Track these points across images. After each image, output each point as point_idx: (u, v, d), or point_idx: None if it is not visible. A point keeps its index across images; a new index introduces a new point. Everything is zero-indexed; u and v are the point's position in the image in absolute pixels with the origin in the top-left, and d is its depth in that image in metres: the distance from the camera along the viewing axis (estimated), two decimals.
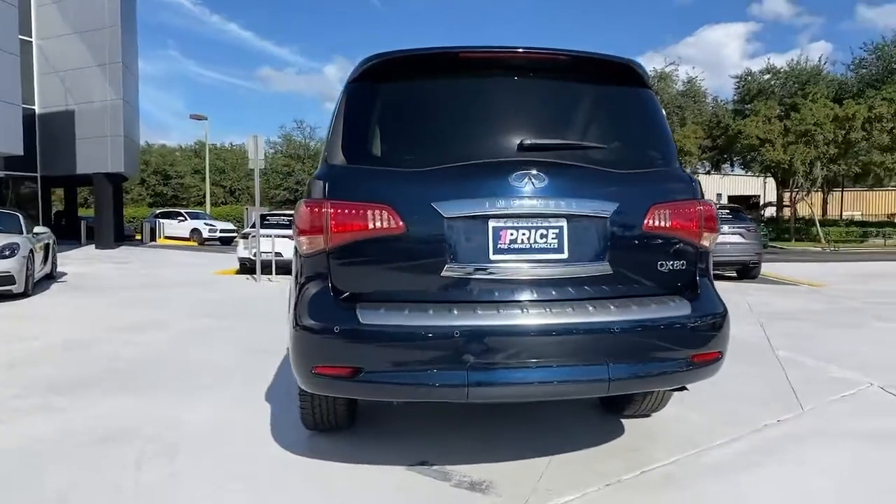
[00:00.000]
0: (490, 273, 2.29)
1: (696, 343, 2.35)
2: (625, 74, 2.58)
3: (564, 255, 2.32)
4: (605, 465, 2.73)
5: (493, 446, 2.92)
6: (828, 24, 72.66)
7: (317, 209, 2.34)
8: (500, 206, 2.28)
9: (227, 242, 25.11)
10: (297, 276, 2.51)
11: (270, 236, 11.44)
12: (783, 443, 3.00)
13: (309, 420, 2.95)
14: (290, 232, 12.77)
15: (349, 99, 2.54)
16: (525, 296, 2.31)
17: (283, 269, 12.08)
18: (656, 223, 2.41)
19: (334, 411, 2.89)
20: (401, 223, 2.28)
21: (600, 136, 2.53)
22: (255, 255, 11.57)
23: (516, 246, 2.31)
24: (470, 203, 2.29)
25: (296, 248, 2.58)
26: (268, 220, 13.17)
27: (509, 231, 2.31)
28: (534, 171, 2.32)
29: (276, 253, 11.45)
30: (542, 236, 2.32)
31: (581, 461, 2.79)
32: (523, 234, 2.31)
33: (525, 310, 2.23)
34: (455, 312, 2.21)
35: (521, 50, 2.46)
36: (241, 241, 12.86)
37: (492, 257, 2.30)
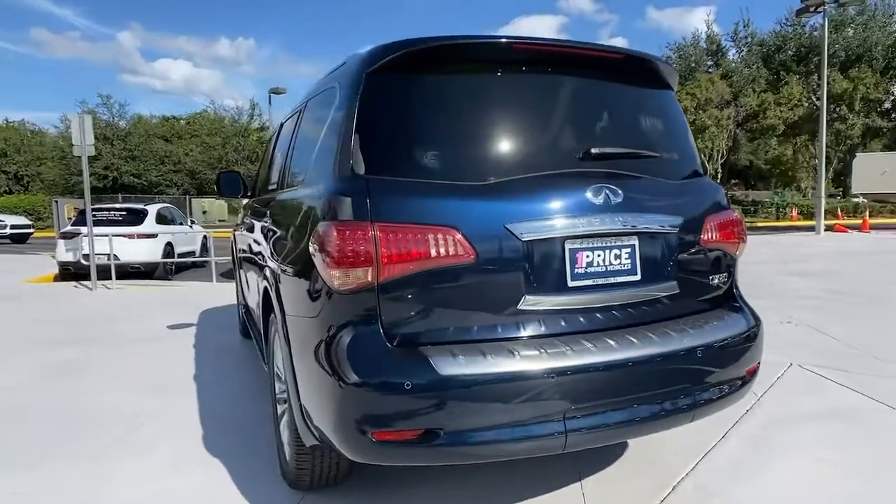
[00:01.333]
0: (570, 303, 2.01)
1: (752, 355, 2.31)
2: (663, 77, 2.43)
3: (637, 277, 2.12)
4: (636, 483, 2.63)
5: (517, 486, 2.66)
6: (624, 22, 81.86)
7: (359, 234, 1.85)
8: (578, 225, 2.01)
9: (20, 241, 21.16)
10: (318, 317, 1.99)
11: (107, 235, 9.74)
12: (772, 432, 3.15)
13: (305, 482, 2.43)
14: (130, 230, 11.08)
15: (370, 93, 2.05)
16: (607, 325, 2.07)
17: (124, 274, 10.42)
18: (711, 236, 2.31)
19: (337, 467, 2.41)
20: (471, 249, 1.89)
21: (650, 143, 2.35)
22: (83, 259, 9.80)
23: (592, 269, 2.05)
24: (548, 223, 1.98)
25: (307, 281, 2.06)
26: (96, 215, 11.21)
27: (585, 253, 2.04)
28: (610, 185, 2.08)
29: (112, 256, 9.80)
30: (616, 257, 2.09)
31: (611, 482, 2.65)
32: (598, 255, 2.06)
33: (613, 341, 1.99)
34: (544, 352, 1.89)
35: (579, 46, 2.18)
36: (60, 242, 10.80)
37: (570, 284, 2.02)
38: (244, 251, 4.35)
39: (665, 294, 2.18)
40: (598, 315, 2.07)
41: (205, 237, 13.58)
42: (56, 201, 18.78)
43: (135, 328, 5.96)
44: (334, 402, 1.86)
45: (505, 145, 2.07)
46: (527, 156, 2.07)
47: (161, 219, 11.84)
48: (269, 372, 3.00)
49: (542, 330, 1.99)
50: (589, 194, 2.04)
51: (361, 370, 1.83)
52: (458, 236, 1.89)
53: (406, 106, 2.05)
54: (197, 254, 13.14)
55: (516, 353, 1.87)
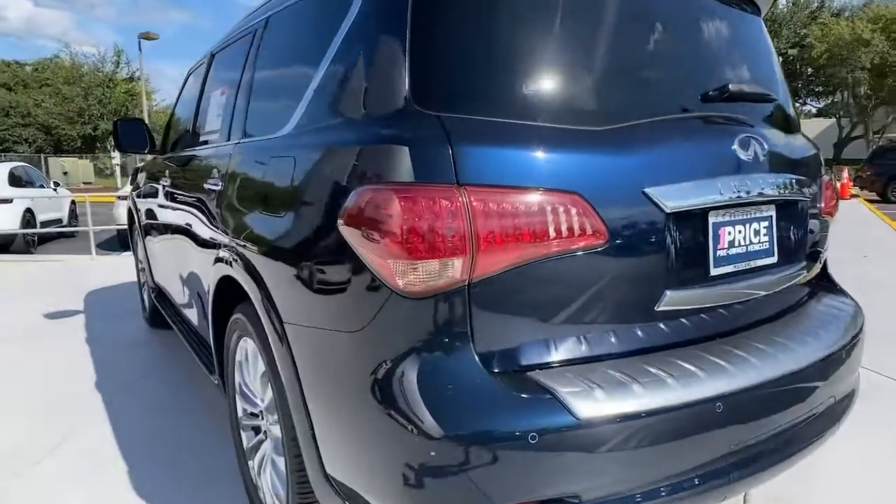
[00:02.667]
0: (711, 299, 1.46)
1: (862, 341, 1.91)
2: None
3: (774, 259, 1.61)
4: None
5: None
6: None
7: (442, 204, 1.17)
8: (725, 189, 1.44)
9: None
10: (361, 332, 1.28)
11: None
12: None
13: None
14: None
15: (425, 4, 1.33)
16: (748, 325, 1.55)
17: None
18: (825, 204, 1.86)
19: None
20: (601, 225, 1.27)
21: (764, 81, 1.81)
22: None
23: (734, 251, 1.51)
24: (695, 186, 1.39)
25: (333, 277, 1.35)
26: None
27: (728, 229, 1.49)
28: (755, 135, 1.53)
29: None
30: (755, 233, 1.56)
31: None
32: (740, 231, 1.52)
33: (769, 347, 1.47)
34: (701, 371, 1.33)
35: None
36: None
37: (712, 272, 1.46)
38: (156, 222, 3.38)
39: (799, 281, 1.70)
40: (740, 312, 1.55)
41: (73, 202, 11.65)
42: None
43: (7, 317, 4.70)
44: (400, 462, 1.19)
45: (626, 74, 1.43)
46: (649, 91, 1.46)
47: (15, 180, 9.91)
48: (227, 388, 2.22)
49: (683, 337, 1.43)
50: (736, 147, 1.48)
51: (452, 414, 1.17)
52: (584, 206, 1.25)
53: (493, 8, 1.34)
54: (65, 222, 11.24)
55: (668, 375, 1.29)
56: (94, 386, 3.23)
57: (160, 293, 3.76)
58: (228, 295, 2.02)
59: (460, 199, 1.17)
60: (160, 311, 3.68)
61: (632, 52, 1.46)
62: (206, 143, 2.60)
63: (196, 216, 2.40)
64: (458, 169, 1.18)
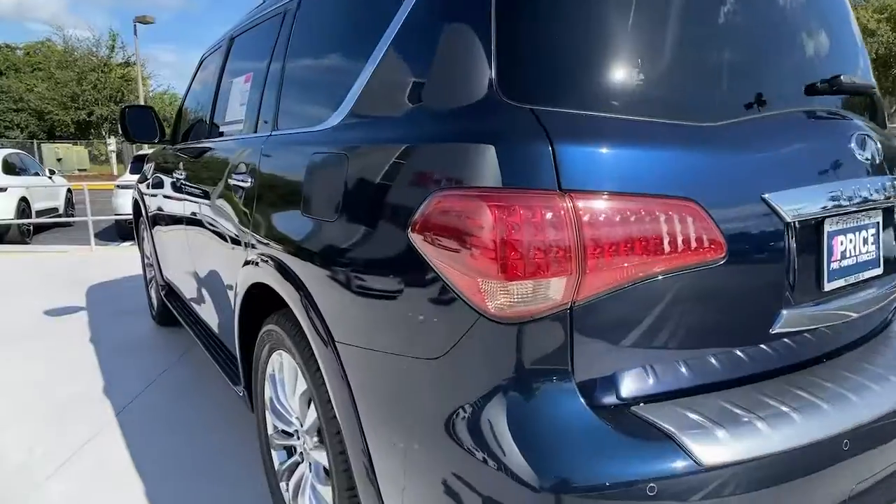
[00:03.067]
0: (824, 317, 1.29)
1: None
2: None
3: (880, 269, 1.44)
4: None
5: None
6: None
7: (544, 214, 0.99)
8: (843, 195, 1.27)
9: None
10: (439, 360, 1.10)
11: None
12: None
13: None
14: None
15: None
16: (856, 345, 1.39)
17: None
18: None
19: None
20: (719, 237, 1.09)
21: (865, 72, 1.63)
22: None
23: (845, 262, 1.34)
24: (815, 192, 1.22)
25: (404, 295, 1.17)
26: None
27: (840, 238, 1.32)
28: (868, 133, 1.36)
29: None
30: (864, 242, 1.39)
31: None
32: (850, 240, 1.34)
33: (885, 370, 1.31)
34: (824, 403, 1.16)
35: None
36: None
37: (825, 287, 1.29)
38: (168, 216, 3.19)
39: None
40: (848, 331, 1.39)
41: (69, 190, 11.39)
42: None
43: (3, 316, 4.50)
44: None
45: (735, 62, 1.24)
46: (757, 82, 1.27)
47: (9, 168, 9.65)
48: (255, 402, 2.05)
49: (792, 360, 1.26)
50: (853, 146, 1.31)
51: (552, 460, 1.00)
52: (701, 215, 1.08)
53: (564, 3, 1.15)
54: (61, 211, 10.99)
55: (790, 408, 1.12)
56: (103, 392, 3.05)
57: (171, 291, 3.58)
58: (259, 302, 1.85)
59: (565, 208, 0.99)
60: (170, 309, 3.49)
61: (740, 38, 1.27)
62: (226, 134, 2.41)
63: (217, 213, 2.21)
64: (560, 172, 1.00)
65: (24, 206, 9.49)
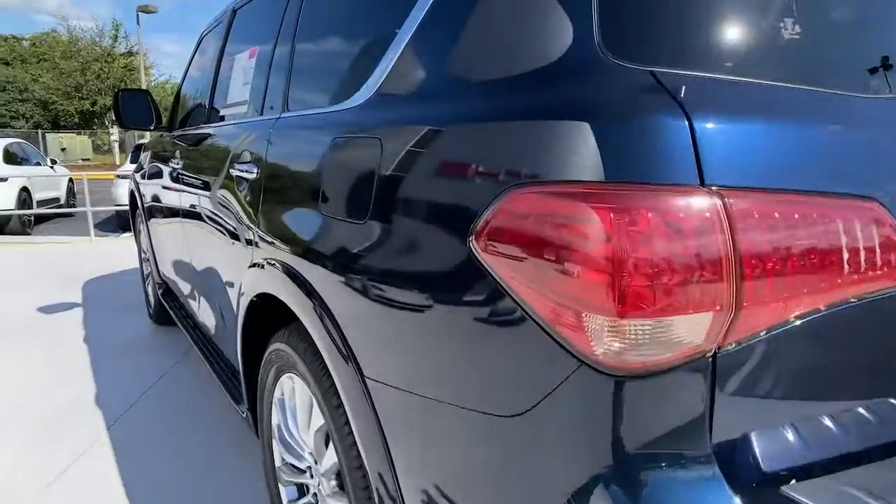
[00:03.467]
0: None
1: None
2: None
3: None
4: None
5: None
6: None
7: (671, 222, 0.67)
8: None
9: None
10: (519, 419, 0.79)
11: None
12: None
13: None
14: None
15: None
16: None
17: None
18: None
19: None
20: None
21: None
22: None
23: None
24: None
25: (464, 326, 0.86)
26: None
27: None
28: None
29: None
30: None
31: None
32: None
33: None
34: None
35: None
36: None
37: None
38: (164, 210, 2.87)
39: None
40: None
41: (70, 180, 11.05)
42: None
43: None
44: None
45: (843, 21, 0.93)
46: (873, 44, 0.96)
47: (10, 157, 9.31)
48: (260, 428, 1.74)
49: None
50: None
51: None
52: (887, 221, 0.76)
53: None
54: (62, 201, 10.66)
55: None
56: (96, 400, 2.75)
57: (168, 290, 3.27)
58: (266, 312, 1.54)
59: (713, 211, 0.68)
60: (167, 308, 3.19)
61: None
62: (228, 118, 2.09)
63: (218, 207, 1.90)
64: (702, 160, 0.69)
65: (25, 197, 9.17)
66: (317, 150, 1.26)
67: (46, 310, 4.20)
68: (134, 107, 2.86)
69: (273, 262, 1.42)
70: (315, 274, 1.22)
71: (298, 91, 1.52)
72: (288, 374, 1.46)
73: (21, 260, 6.26)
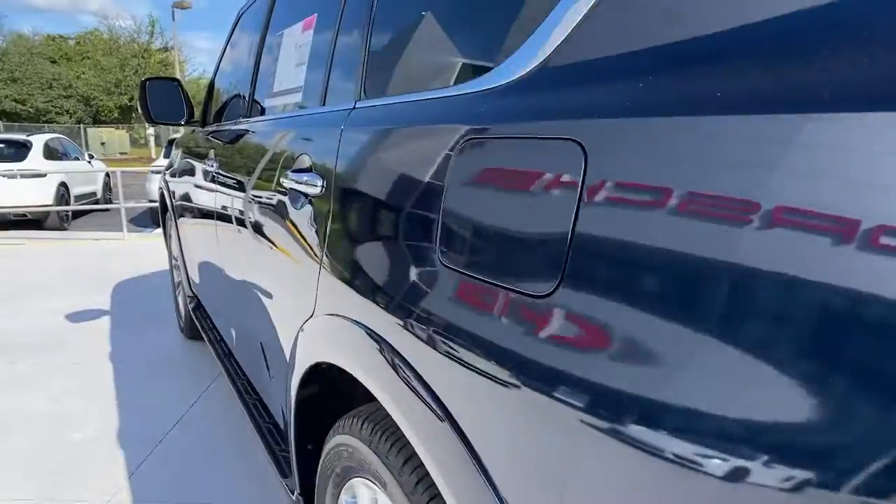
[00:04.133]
0: None
1: None
2: None
3: None
4: None
5: None
6: None
7: None
8: None
9: None
10: None
11: None
12: None
13: None
14: (10, 167, 8.26)
15: None
16: None
17: (5, 223, 7.82)
18: None
19: None
20: None
21: None
22: None
23: None
24: None
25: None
26: None
27: None
28: None
29: None
30: None
31: None
32: None
33: None
34: None
35: None
36: None
37: None
38: (197, 218, 2.43)
39: None
40: None
41: (107, 175, 10.81)
42: None
43: (17, 321, 3.83)
44: None
45: None
46: None
47: (50, 153, 9.07)
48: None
49: None
50: None
51: None
52: None
53: None
54: (98, 195, 10.43)
55: None
56: (117, 436, 2.33)
57: (200, 305, 2.84)
58: (329, 381, 1.07)
59: None
60: (201, 329, 2.77)
61: None
62: (275, 109, 1.62)
63: (263, 230, 1.44)
64: None
65: (63, 192, 8.92)
66: (427, 156, 0.78)
67: (73, 318, 3.83)
68: (163, 98, 2.43)
69: (345, 318, 0.95)
70: (422, 354, 0.74)
71: (384, 67, 1.03)
72: (362, 479, 0.99)
73: (54, 259, 5.95)
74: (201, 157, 2.28)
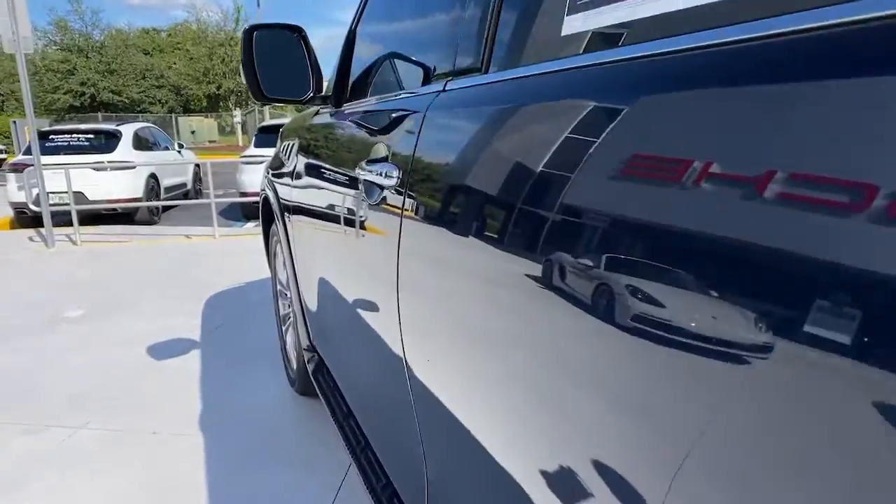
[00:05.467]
0: None
1: None
2: None
3: None
4: None
5: None
6: None
7: None
8: None
9: None
10: None
11: (63, 166, 6.72)
12: None
13: None
14: (100, 159, 7.98)
15: None
16: None
17: (91, 219, 7.52)
18: None
19: None
20: None
21: None
22: (32, 203, 6.87)
23: None
24: None
25: None
26: (53, 140, 8.09)
27: None
28: None
29: (75, 193, 6.86)
30: None
31: None
32: None
33: None
34: None
35: None
36: (10, 177, 7.78)
37: None
38: (330, 239, 1.54)
39: None
40: None
41: (197, 166, 10.49)
42: (14, 122, 15.12)
43: (87, 357, 3.18)
44: None
45: None
46: None
47: (140, 143, 8.76)
48: None
49: None
50: None
51: None
52: None
53: None
54: (189, 186, 10.13)
55: None
56: None
57: (322, 366, 1.98)
58: None
59: None
60: (317, 380, 1.91)
61: None
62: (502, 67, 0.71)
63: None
64: None
65: (153, 184, 8.59)
66: None
67: (156, 352, 3.12)
68: (278, 60, 1.52)
69: None
70: None
71: None
72: None
73: (142, 261, 5.42)
74: (332, 150, 1.39)
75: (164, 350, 3.12)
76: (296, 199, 1.91)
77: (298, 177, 1.87)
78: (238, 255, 5.33)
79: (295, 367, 2.44)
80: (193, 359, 3.00)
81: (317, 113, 1.87)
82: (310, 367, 2.04)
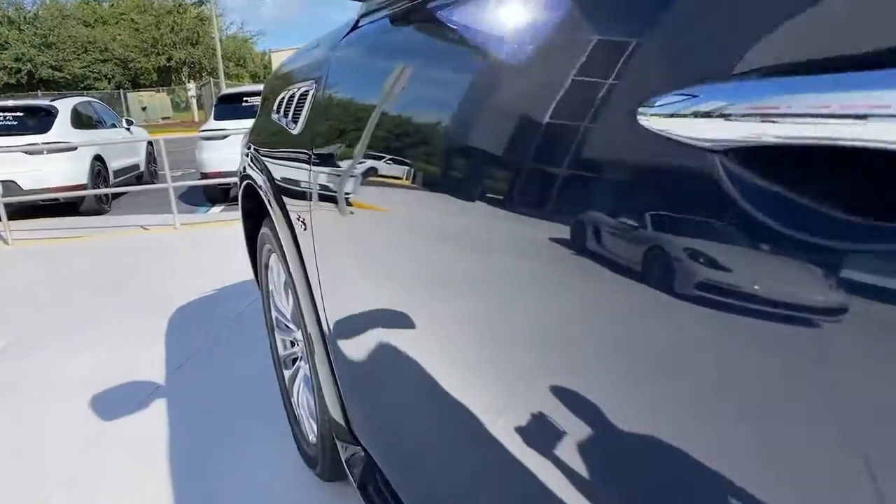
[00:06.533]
0: None
1: None
2: None
3: None
4: None
5: None
6: None
7: None
8: None
9: None
10: None
11: None
12: None
13: None
14: (33, 141, 6.83)
15: None
16: None
17: (27, 211, 6.46)
18: None
19: None
20: None
21: None
22: None
23: None
24: None
25: None
26: None
27: None
28: None
29: (4, 182, 5.78)
30: None
31: None
32: None
33: None
34: None
35: None
36: None
37: None
38: (363, 246, 0.69)
39: None
40: None
41: (150, 144, 9.31)
42: None
43: (4, 417, 2.30)
44: None
45: None
46: None
47: (81, 120, 7.59)
48: None
49: None
50: None
51: None
52: None
53: None
54: (142, 168, 8.99)
55: None
56: None
57: (372, 468, 1.16)
58: None
59: None
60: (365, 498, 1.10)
61: None
62: None
63: None
64: None
65: (99, 168, 7.46)
66: None
67: (105, 412, 2.25)
68: None
69: None
70: None
71: None
72: None
73: (86, 263, 4.46)
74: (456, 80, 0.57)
75: (116, 403, 2.26)
76: (322, 182, 1.06)
77: (325, 142, 1.02)
78: (204, 247, 4.42)
79: (316, 445, 1.61)
80: (157, 416, 2.14)
81: (356, 25, 1.02)
82: (352, 469, 1.22)
